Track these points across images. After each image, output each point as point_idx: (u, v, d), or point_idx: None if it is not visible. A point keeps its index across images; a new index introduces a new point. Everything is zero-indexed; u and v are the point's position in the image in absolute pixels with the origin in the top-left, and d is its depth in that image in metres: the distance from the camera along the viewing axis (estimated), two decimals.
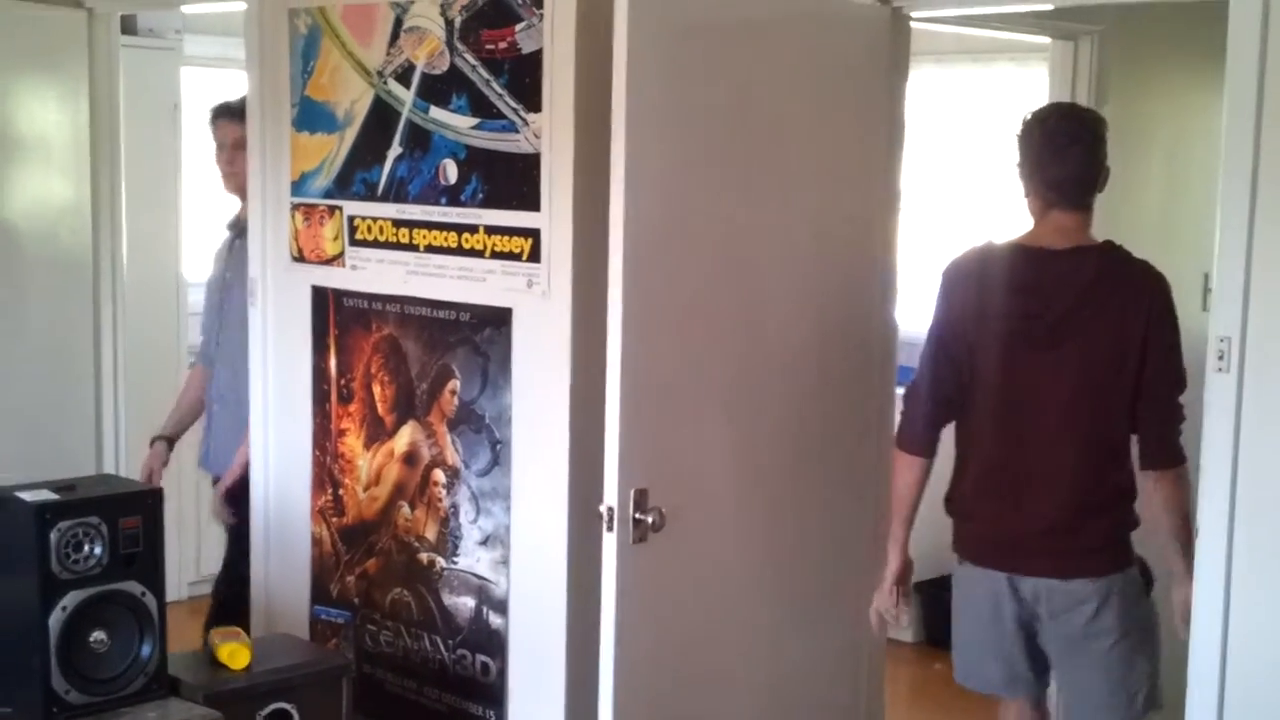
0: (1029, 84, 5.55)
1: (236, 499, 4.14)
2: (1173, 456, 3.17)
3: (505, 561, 3.55)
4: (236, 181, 4.19)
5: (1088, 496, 3.21)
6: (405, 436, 3.74)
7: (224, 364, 4.23)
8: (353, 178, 3.80)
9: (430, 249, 3.63)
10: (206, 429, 4.31)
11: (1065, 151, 3.25)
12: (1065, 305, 3.21)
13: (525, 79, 3.39)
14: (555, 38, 3.33)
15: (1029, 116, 3.32)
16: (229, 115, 4.21)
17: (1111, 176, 3.36)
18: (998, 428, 3.27)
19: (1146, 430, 3.20)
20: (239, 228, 4.20)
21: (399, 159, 3.68)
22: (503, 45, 3.43)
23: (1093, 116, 3.42)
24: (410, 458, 3.73)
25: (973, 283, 3.30)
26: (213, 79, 6.21)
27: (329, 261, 3.89)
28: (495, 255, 3.50)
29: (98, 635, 3.02)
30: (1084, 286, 3.21)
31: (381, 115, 3.71)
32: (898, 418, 3.43)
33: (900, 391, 3.48)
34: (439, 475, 3.68)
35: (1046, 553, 3.21)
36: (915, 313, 3.93)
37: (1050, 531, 3.21)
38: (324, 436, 3.95)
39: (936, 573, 4.14)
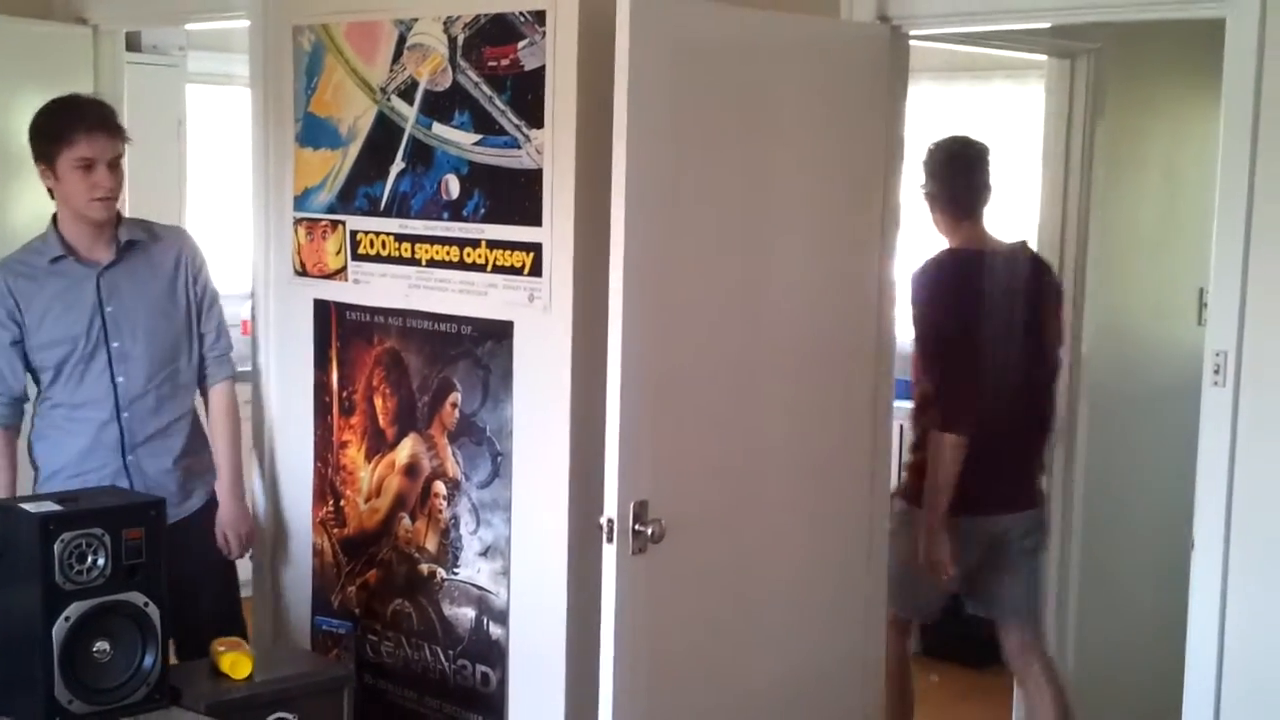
0: (1026, 101, 5.58)
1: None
2: None
3: (505, 572, 3.57)
4: (112, 207, 3.61)
5: (1041, 449, 4.08)
6: (406, 448, 3.76)
7: (137, 409, 3.67)
8: (355, 193, 3.83)
9: (432, 263, 3.66)
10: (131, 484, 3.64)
11: (974, 173, 4.01)
12: (1031, 295, 3.94)
13: (528, 96, 3.42)
14: (557, 55, 3.35)
15: (936, 147, 4.04)
16: (105, 129, 3.57)
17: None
18: (991, 401, 3.80)
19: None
20: (120, 252, 3.65)
21: (402, 174, 3.71)
22: (505, 62, 3.46)
23: (984, 145, 4.17)
24: (411, 469, 3.75)
25: (963, 280, 3.88)
26: (217, 95, 6.26)
27: (331, 275, 3.92)
28: (497, 269, 3.52)
29: (100, 645, 3.03)
30: (1038, 279, 4.00)
31: (385, 131, 3.74)
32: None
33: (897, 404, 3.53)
34: (440, 487, 3.70)
35: (1023, 493, 4.03)
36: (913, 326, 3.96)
37: (1026, 476, 4.04)
38: (325, 448, 3.97)
39: None
